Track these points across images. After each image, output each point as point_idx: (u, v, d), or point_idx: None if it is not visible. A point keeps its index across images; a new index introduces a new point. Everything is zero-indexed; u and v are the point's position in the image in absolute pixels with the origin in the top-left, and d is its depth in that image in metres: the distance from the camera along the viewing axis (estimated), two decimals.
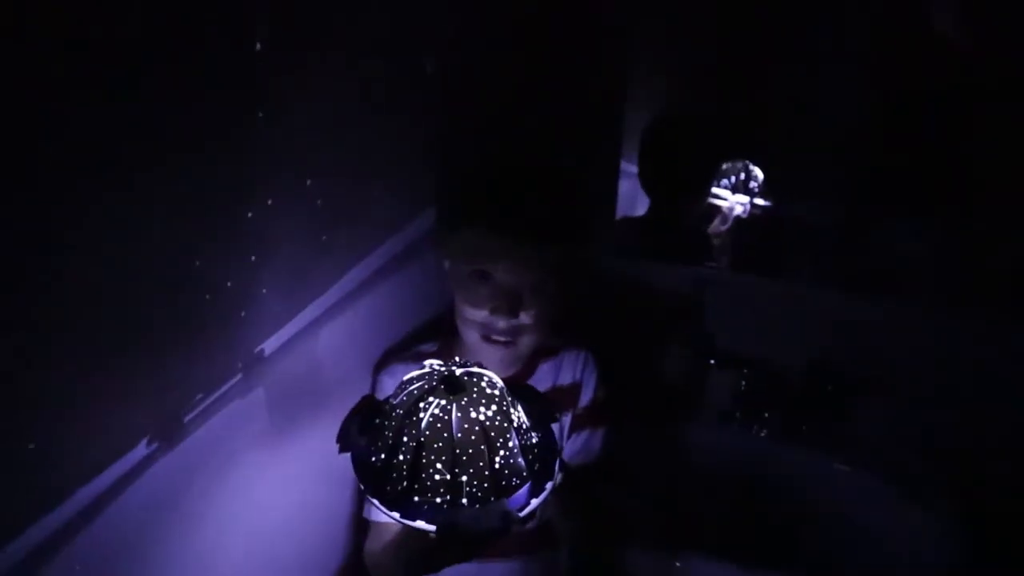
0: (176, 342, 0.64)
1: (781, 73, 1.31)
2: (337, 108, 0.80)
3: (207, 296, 0.67)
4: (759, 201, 1.38)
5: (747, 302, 1.29)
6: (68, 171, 0.51)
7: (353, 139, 0.84)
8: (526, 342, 0.95)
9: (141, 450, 0.62)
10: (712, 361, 1.28)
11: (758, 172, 1.38)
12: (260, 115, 0.68)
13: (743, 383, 1.26)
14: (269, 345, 0.76)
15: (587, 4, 1.25)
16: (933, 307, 1.20)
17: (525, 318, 0.92)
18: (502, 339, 0.94)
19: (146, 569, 0.65)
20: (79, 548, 0.57)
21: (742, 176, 1.39)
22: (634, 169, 1.43)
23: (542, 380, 1.02)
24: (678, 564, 1.05)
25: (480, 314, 0.92)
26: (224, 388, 0.71)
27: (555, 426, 1.02)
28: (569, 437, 1.04)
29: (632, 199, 1.45)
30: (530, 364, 1.02)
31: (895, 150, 1.23)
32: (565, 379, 1.05)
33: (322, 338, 0.86)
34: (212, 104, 0.63)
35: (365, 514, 0.97)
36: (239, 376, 0.73)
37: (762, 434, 1.25)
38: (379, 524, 0.94)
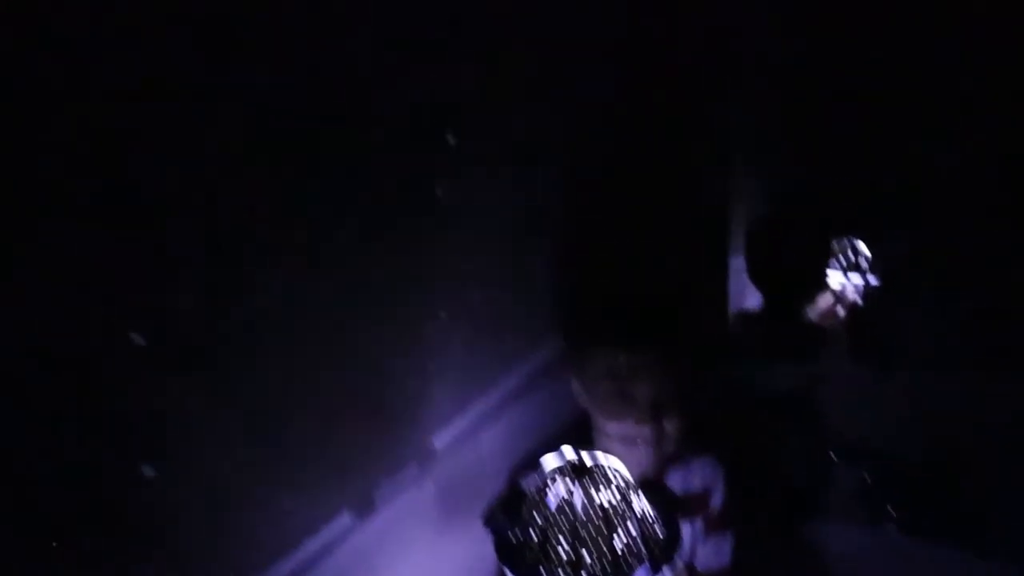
0: (376, 432, 0.79)
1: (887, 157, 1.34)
2: (495, 235, 0.93)
3: (397, 398, 0.78)
4: (871, 279, 1.38)
5: (866, 395, 1.30)
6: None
7: (506, 265, 0.97)
8: (669, 444, 1.00)
9: (345, 519, 0.75)
10: (834, 457, 1.29)
11: (863, 247, 1.40)
12: (444, 238, 0.81)
13: (867, 477, 1.26)
14: (439, 441, 0.87)
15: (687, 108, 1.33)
16: None
17: (667, 424, 0.98)
18: (647, 444, 0.99)
19: None
20: None
21: (850, 254, 1.40)
22: (742, 265, 1.48)
23: (673, 487, 1.05)
24: None
25: (623, 427, 0.99)
26: (402, 477, 0.82)
27: (687, 529, 1.05)
28: (702, 541, 1.06)
29: (742, 293, 1.50)
30: (660, 472, 1.06)
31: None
32: (696, 485, 1.07)
33: (483, 440, 0.96)
34: (407, 239, 0.76)
35: None
36: (414, 468, 0.83)
37: (889, 527, 1.24)
38: None
